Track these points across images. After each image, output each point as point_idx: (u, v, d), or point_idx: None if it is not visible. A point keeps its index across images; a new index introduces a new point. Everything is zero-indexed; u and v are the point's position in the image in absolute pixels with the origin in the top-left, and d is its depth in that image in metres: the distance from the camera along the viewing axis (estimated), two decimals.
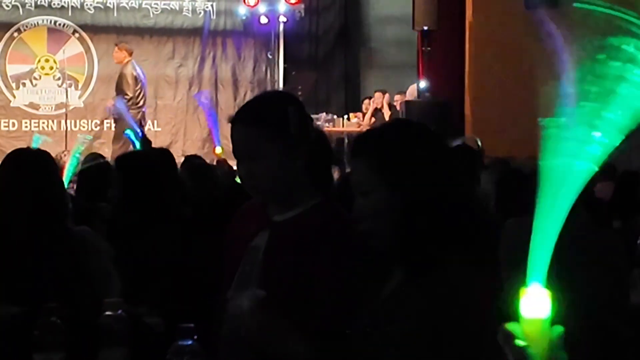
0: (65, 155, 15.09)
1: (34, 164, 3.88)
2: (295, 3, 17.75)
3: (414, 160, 2.52)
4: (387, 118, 16.61)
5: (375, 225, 2.55)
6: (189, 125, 17.96)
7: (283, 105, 3.02)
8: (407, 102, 14.84)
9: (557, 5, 14.26)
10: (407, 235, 2.47)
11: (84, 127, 17.44)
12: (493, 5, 14.66)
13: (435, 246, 2.45)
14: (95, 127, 17.59)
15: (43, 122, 17.41)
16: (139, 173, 4.28)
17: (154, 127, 17.80)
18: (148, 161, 4.38)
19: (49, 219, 3.75)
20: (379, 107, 17.22)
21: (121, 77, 14.90)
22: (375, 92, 17.44)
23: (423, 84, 14.85)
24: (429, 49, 14.87)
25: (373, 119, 16.86)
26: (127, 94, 14.88)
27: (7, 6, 17.36)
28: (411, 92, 16.22)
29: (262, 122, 2.96)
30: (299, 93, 16.38)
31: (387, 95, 17.20)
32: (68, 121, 16.72)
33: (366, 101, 17.59)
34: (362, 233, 2.62)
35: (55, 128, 17.40)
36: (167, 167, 4.41)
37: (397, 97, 16.96)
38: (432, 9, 14.59)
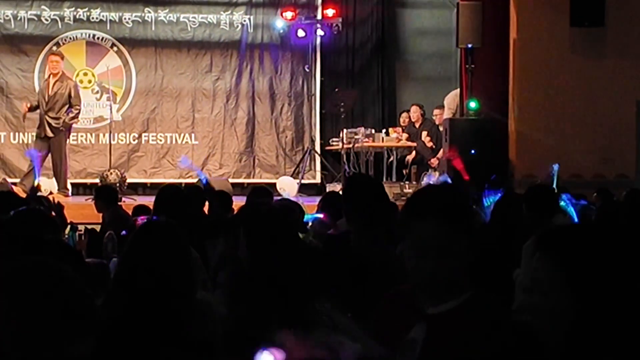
0: (111, 173, 15.18)
1: (166, 238, 3.85)
2: (333, 17, 17.73)
3: (606, 267, 2.48)
4: (423, 135, 16.61)
5: (549, 326, 2.52)
6: (226, 138, 17.98)
7: (465, 200, 3.02)
8: (451, 120, 14.80)
9: (603, 24, 14.31)
10: (584, 341, 2.45)
11: (122, 140, 17.52)
12: (538, 22, 14.64)
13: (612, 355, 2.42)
14: (134, 140, 17.65)
15: (82, 136, 17.46)
16: (267, 234, 4.20)
17: (191, 140, 17.88)
18: (276, 221, 4.29)
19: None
20: (414, 120, 17.20)
21: (70, 90, 14.67)
22: (412, 105, 17.41)
23: (473, 104, 14.81)
24: (472, 66, 14.83)
25: (406, 135, 16.84)
26: (78, 106, 14.77)
27: (46, 20, 17.45)
28: (449, 104, 16.20)
29: (454, 217, 2.96)
30: (342, 110, 16.41)
31: (415, 109, 17.18)
32: (107, 134, 16.79)
33: (404, 114, 17.58)
34: (528, 329, 2.61)
35: (93, 141, 17.48)
36: (291, 227, 4.36)
37: (435, 111, 16.93)
38: (476, 26, 14.56)
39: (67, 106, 14.60)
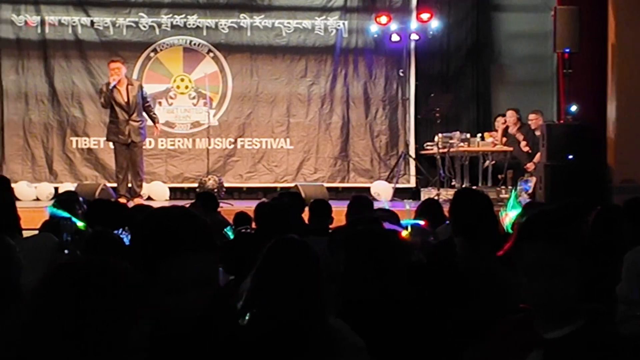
0: (209, 179, 15.34)
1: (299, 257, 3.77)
2: (427, 21, 17.74)
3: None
4: (519, 139, 16.47)
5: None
6: (321, 142, 18.08)
7: (578, 221, 3.04)
8: (548, 125, 14.65)
9: None
10: None
11: (218, 145, 17.71)
12: (637, 26, 14.42)
13: None
14: (229, 145, 17.83)
15: (179, 141, 17.73)
16: (366, 253, 4.22)
17: (286, 144, 17.98)
18: (379, 242, 4.29)
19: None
20: (510, 125, 17.05)
21: (141, 91, 14.78)
22: (507, 110, 17.29)
23: (574, 108, 14.68)
24: (570, 71, 14.68)
25: (504, 139, 16.71)
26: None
27: (144, 27, 17.73)
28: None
29: (565, 238, 2.98)
30: (437, 115, 16.39)
31: (511, 113, 17.02)
32: (203, 139, 17.03)
33: (499, 118, 17.43)
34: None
35: (190, 146, 17.72)
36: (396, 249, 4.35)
37: (531, 116, 16.75)
38: (574, 31, 14.40)
39: (141, 110, 14.68)
